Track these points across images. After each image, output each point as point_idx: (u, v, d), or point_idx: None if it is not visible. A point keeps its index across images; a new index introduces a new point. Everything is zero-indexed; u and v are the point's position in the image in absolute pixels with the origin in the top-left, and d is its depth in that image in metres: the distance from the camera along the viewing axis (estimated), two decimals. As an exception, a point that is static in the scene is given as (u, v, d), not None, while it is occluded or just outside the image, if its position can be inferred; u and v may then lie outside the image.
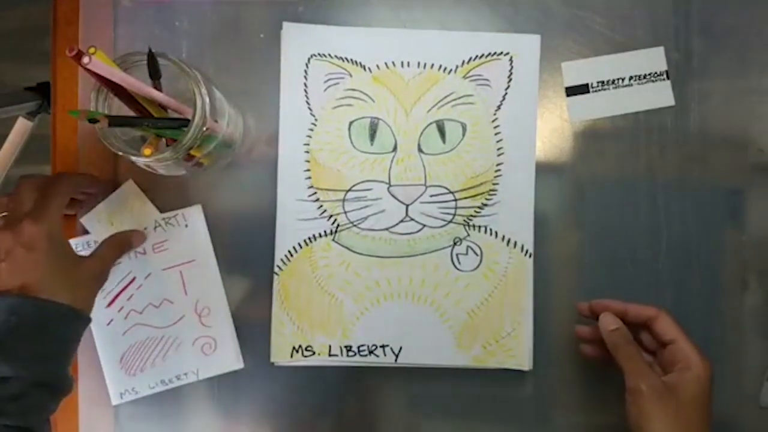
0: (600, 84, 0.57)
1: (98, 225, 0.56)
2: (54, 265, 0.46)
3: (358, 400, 0.58)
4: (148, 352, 0.56)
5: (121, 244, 0.54)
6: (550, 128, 0.57)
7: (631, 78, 0.57)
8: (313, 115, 0.57)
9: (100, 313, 0.56)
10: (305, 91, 0.57)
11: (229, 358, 0.56)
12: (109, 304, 0.56)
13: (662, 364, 0.49)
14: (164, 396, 0.58)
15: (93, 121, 0.45)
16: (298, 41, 0.57)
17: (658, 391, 0.46)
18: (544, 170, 0.57)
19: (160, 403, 0.58)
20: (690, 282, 0.57)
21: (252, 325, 0.57)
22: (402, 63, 0.57)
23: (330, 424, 0.58)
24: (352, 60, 0.57)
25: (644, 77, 0.57)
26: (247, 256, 0.57)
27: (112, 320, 0.56)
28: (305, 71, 0.57)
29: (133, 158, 0.47)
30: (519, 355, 0.56)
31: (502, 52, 0.57)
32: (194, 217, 0.56)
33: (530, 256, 0.56)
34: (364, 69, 0.57)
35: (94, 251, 0.52)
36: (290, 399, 0.58)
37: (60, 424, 0.58)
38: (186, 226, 0.56)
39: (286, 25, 0.57)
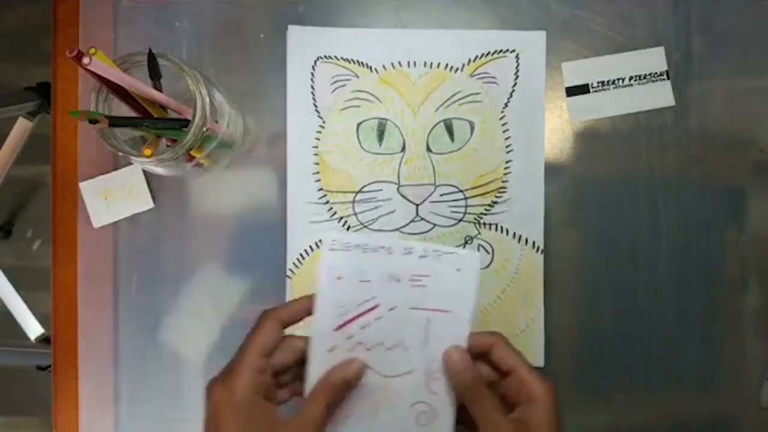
0: (600, 84, 0.57)
1: (93, 195, 0.57)
2: None
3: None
4: (361, 400, 0.44)
5: (337, 389, 0.43)
6: (551, 128, 0.57)
7: (631, 78, 0.57)
8: (321, 117, 0.57)
9: (326, 335, 0.44)
10: (312, 93, 0.57)
11: None
12: (340, 327, 0.45)
13: (504, 395, 0.44)
14: (164, 397, 0.58)
15: (93, 121, 0.45)
16: (304, 43, 0.57)
17: None
18: (545, 170, 0.57)
19: (160, 403, 0.58)
20: (690, 282, 0.57)
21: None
22: (408, 63, 0.57)
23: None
24: (358, 61, 0.57)
25: (644, 77, 0.57)
26: (253, 258, 0.57)
27: (335, 347, 0.44)
28: (312, 73, 0.57)
29: (134, 159, 0.47)
30: (533, 351, 0.56)
31: (508, 50, 0.57)
32: (471, 264, 0.45)
33: (541, 252, 0.56)
34: (371, 70, 0.57)
35: (302, 408, 0.42)
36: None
37: (60, 424, 0.58)
38: (458, 270, 0.45)
39: (291, 27, 0.57)
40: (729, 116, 0.57)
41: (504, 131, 0.57)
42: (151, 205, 0.57)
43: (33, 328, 1.27)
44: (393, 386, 0.44)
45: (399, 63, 0.57)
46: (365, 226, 0.57)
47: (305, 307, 0.45)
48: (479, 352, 0.44)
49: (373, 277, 0.45)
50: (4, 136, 1.19)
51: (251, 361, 0.41)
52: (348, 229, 0.57)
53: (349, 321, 0.44)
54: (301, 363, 0.44)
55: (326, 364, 0.44)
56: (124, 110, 0.49)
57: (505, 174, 0.57)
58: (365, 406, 0.44)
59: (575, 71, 0.57)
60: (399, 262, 0.45)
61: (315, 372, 0.44)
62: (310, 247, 0.57)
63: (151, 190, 0.57)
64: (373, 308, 0.45)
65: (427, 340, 0.44)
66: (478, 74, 0.57)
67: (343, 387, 0.43)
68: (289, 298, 0.57)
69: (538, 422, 0.42)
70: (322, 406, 0.41)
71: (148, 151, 0.47)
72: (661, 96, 0.57)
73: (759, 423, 0.57)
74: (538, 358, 0.56)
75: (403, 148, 0.57)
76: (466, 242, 0.57)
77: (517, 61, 0.57)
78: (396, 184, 0.57)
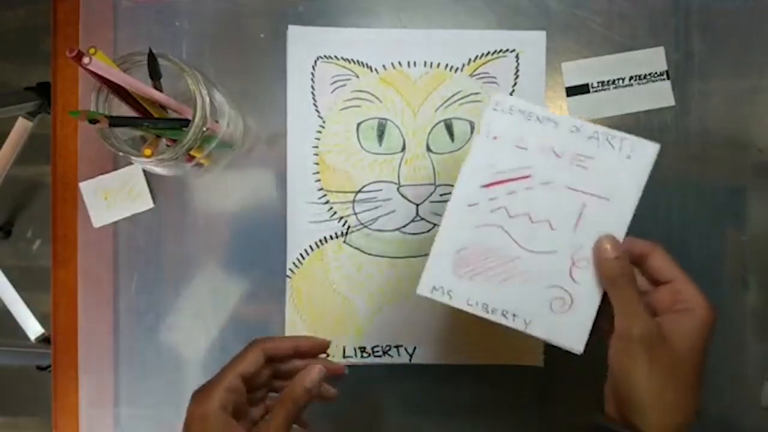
0: (600, 84, 0.57)
1: (93, 195, 0.57)
2: None
3: (361, 398, 0.58)
4: (491, 264, 0.43)
5: (295, 401, 0.43)
6: (550, 128, 0.57)
7: (631, 78, 0.57)
8: (321, 117, 0.57)
9: (471, 190, 0.44)
10: (312, 93, 0.57)
11: (572, 332, 0.42)
12: (486, 186, 0.43)
13: (653, 305, 0.41)
14: (164, 397, 0.58)
15: (93, 121, 0.45)
16: (304, 43, 0.57)
17: (651, 339, 0.39)
18: (544, 170, 0.57)
19: (160, 403, 0.58)
20: (690, 282, 0.57)
21: (264, 329, 0.57)
22: (408, 63, 0.57)
23: (334, 423, 0.58)
24: (358, 61, 0.57)
25: (644, 77, 0.57)
26: (253, 258, 0.57)
27: (477, 204, 0.43)
28: (312, 73, 0.57)
29: (134, 158, 0.47)
30: (533, 351, 0.56)
31: (508, 50, 0.57)
32: (644, 153, 0.43)
33: None
34: (371, 70, 0.57)
35: (263, 426, 0.43)
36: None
37: (60, 424, 0.58)
38: (628, 157, 0.43)
39: (291, 27, 0.57)
40: (729, 116, 0.57)
41: (504, 131, 0.57)
42: (151, 205, 0.57)
43: (33, 328, 1.27)
44: (530, 261, 0.43)
45: (399, 63, 0.57)
46: (365, 226, 0.57)
47: (292, 345, 0.47)
48: (634, 258, 0.42)
49: (532, 146, 0.43)
50: (4, 136, 1.19)
51: (227, 380, 0.43)
52: (348, 228, 0.57)
53: (497, 183, 0.43)
54: (273, 378, 0.48)
55: (464, 217, 0.43)
56: (124, 110, 0.49)
57: None
58: (495, 272, 0.43)
59: (575, 71, 0.57)
60: (564, 138, 0.43)
61: (449, 222, 0.44)
62: (310, 246, 0.57)
63: (151, 190, 0.57)
64: (524, 177, 0.43)
65: (578, 224, 0.43)
66: (478, 74, 0.57)
67: (303, 396, 0.43)
68: (288, 298, 0.57)
69: (686, 337, 0.39)
70: (282, 419, 0.42)
71: (148, 151, 0.47)
72: (661, 96, 0.57)
73: (759, 423, 0.57)
74: (538, 358, 0.56)
75: (403, 148, 0.56)
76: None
77: (517, 61, 0.57)
78: (396, 183, 0.56)
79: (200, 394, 0.43)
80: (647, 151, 0.42)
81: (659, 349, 0.39)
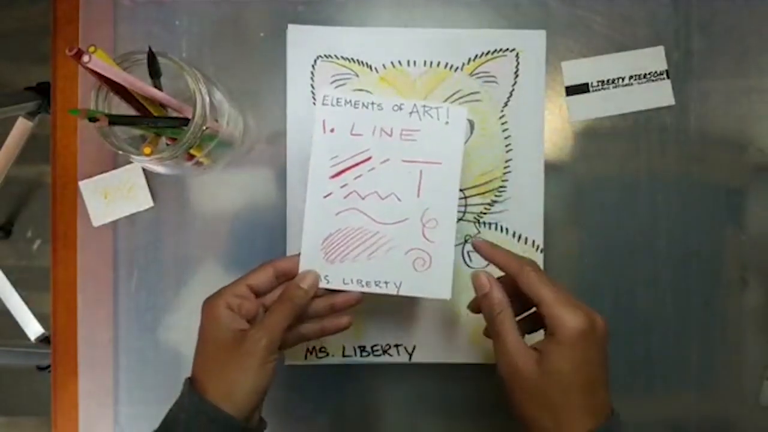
0: (600, 83, 0.57)
1: (92, 195, 0.57)
2: (212, 351, 0.45)
3: (360, 398, 0.58)
4: (356, 243, 0.48)
5: (292, 300, 0.46)
6: (550, 128, 0.57)
7: (631, 77, 0.57)
8: None
9: (322, 182, 0.48)
10: (312, 92, 0.57)
11: (437, 283, 0.48)
12: (335, 176, 0.48)
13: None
14: (164, 397, 0.57)
15: (93, 119, 0.45)
16: (303, 43, 0.57)
17: (519, 377, 0.40)
18: (544, 170, 0.57)
19: (160, 403, 0.58)
20: (690, 282, 0.57)
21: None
22: (408, 62, 0.57)
23: (333, 422, 0.58)
24: (358, 60, 0.57)
25: (644, 77, 0.57)
26: (253, 257, 0.57)
27: (331, 194, 0.48)
28: (312, 73, 0.57)
29: (133, 157, 0.47)
30: None
31: (508, 49, 0.57)
32: (458, 117, 0.48)
33: (541, 251, 0.56)
34: (371, 69, 0.57)
35: (266, 315, 0.45)
36: (291, 397, 0.58)
37: (60, 424, 0.58)
38: (446, 123, 0.48)
39: (291, 27, 0.57)
40: (729, 116, 0.57)
41: (504, 130, 0.57)
42: (150, 204, 0.57)
43: (33, 328, 1.27)
44: (388, 232, 0.48)
45: (399, 62, 0.57)
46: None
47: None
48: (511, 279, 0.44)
49: (365, 131, 0.48)
50: (4, 136, 1.19)
51: (234, 286, 0.46)
52: None
53: (343, 171, 0.48)
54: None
55: (323, 208, 0.48)
56: (124, 109, 0.49)
57: (504, 173, 0.57)
58: (360, 249, 0.48)
59: (575, 70, 0.57)
60: (390, 118, 0.48)
61: (310, 216, 0.48)
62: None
63: (150, 189, 0.57)
64: (365, 160, 0.48)
65: (420, 190, 0.48)
66: (478, 73, 0.57)
67: (302, 296, 0.46)
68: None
69: (552, 366, 0.40)
70: (280, 315, 0.45)
71: (147, 150, 0.46)
72: (661, 95, 0.57)
73: (759, 423, 0.57)
74: None
75: (403, 147, 0.57)
76: (465, 241, 0.57)
77: (517, 60, 0.57)
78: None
79: (211, 296, 0.46)
80: (459, 114, 0.48)
81: (529, 385, 0.40)
